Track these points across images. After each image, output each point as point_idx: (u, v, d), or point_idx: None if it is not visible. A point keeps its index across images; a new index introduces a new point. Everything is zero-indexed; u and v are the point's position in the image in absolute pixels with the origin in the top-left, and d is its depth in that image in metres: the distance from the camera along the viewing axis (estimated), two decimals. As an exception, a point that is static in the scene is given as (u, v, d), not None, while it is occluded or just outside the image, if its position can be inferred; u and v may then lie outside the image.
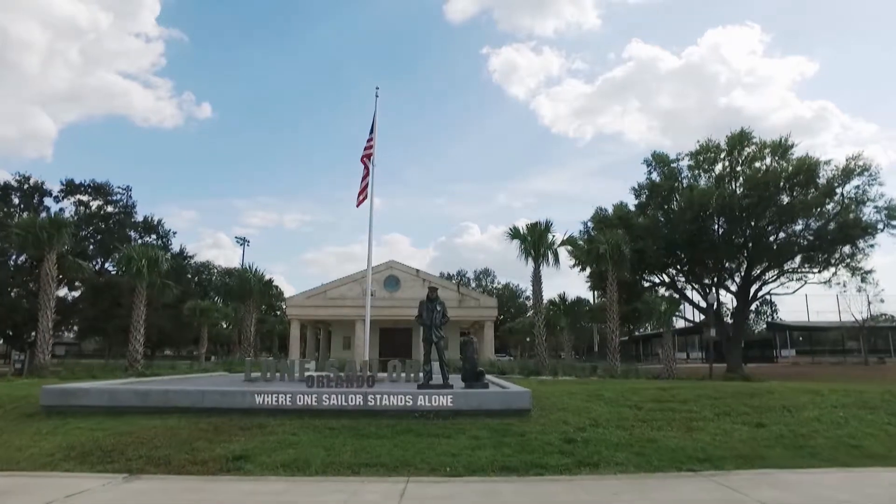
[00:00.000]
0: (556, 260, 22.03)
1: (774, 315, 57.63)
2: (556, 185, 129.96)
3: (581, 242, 25.81)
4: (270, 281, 25.15)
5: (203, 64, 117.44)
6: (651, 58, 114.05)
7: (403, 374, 12.10)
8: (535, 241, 20.82)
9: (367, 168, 22.22)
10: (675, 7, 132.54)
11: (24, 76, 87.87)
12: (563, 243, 22.73)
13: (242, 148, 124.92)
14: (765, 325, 55.80)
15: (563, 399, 10.32)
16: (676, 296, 29.19)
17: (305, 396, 9.22)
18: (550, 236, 21.32)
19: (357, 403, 9.17)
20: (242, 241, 56.17)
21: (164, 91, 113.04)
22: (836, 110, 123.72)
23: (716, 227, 26.98)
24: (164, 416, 8.85)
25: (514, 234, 21.46)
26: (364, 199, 22.00)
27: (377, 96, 22.89)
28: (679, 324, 55.20)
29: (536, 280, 21.34)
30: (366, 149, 22.43)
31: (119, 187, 38.49)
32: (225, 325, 43.16)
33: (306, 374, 11.07)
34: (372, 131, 22.66)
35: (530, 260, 21.41)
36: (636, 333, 59.74)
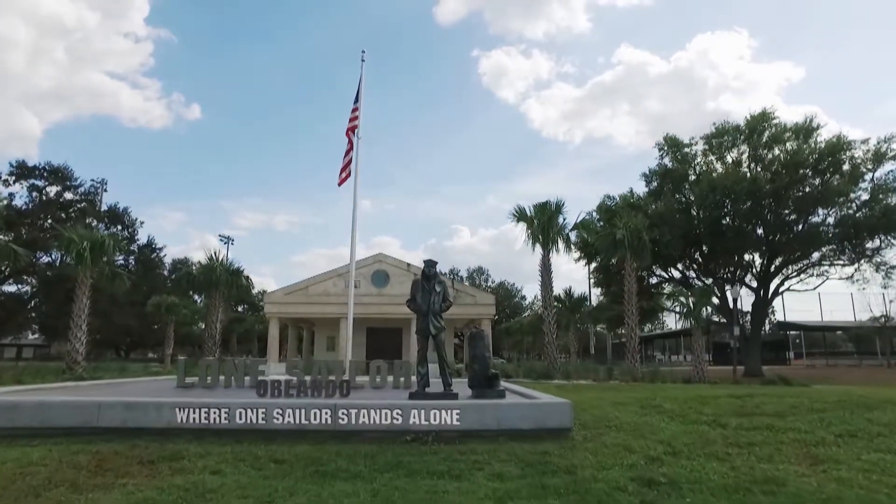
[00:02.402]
0: (568, 246, 19.32)
1: (774, 315, 55.36)
2: (546, 188, 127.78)
3: (584, 234, 23.04)
4: (239, 270, 22.12)
5: (193, 65, 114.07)
6: (640, 62, 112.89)
7: (391, 379, 9.34)
8: (543, 225, 18.07)
9: (351, 142, 19.49)
10: (664, 12, 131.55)
11: (8, 74, 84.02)
12: (575, 227, 20.01)
13: (232, 149, 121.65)
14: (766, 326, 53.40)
15: (608, 412, 7.59)
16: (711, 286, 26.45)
17: (249, 412, 6.41)
18: (561, 218, 18.59)
19: (323, 421, 6.40)
20: (227, 240, 53.46)
21: (152, 91, 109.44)
22: (824, 116, 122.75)
23: (740, 213, 24.40)
24: (37, 441, 6.03)
25: (520, 215, 18.68)
26: (347, 177, 19.28)
27: (363, 60, 20.20)
28: (675, 325, 53.03)
29: (545, 269, 18.57)
30: (350, 120, 19.67)
31: (93, 180, 35.35)
32: (202, 324, 39.99)
33: (260, 378, 8.22)
34: (357, 100, 19.93)
35: (537, 247, 18.68)
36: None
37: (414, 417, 6.39)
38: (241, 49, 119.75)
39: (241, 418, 6.40)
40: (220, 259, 21.24)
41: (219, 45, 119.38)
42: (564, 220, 18.72)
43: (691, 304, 17.25)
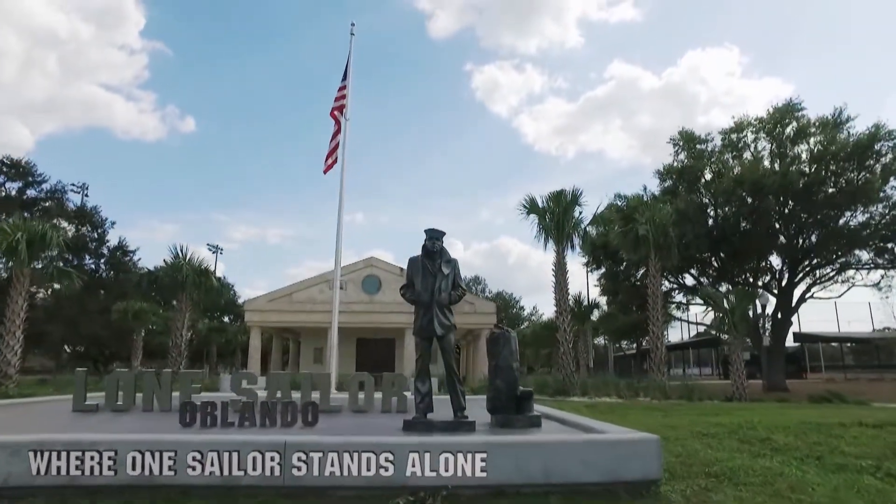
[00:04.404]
0: (585, 243, 16.95)
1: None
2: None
3: (601, 229, 20.72)
4: (208, 270, 19.44)
5: (187, 78, 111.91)
6: (632, 77, 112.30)
7: (379, 396, 6.91)
8: (558, 217, 15.71)
9: (338, 123, 17.22)
10: (655, 29, 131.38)
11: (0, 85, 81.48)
12: (593, 221, 17.65)
13: (225, 162, 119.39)
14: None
15: (693, 448, 5.18)
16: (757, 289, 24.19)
17: (147, 457, 3.98)
18: (577, 211, 16.21)
19: (266, 472, 3.99)
20: (215, 249, 51.23)
21: (147, 104, 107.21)
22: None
23: (767, 212, 22.22)
24: None
25: (531, 207, 16.30)
26: (334, 164, 16.96)
27: (352, 34, 18.03)
28: (677, 335, 50.70)
29: (560, 269, 16.17)
30: (337, 99, 17.42)
31: (73, 184, 32.72)
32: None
33: (193, 398, 5.77)
34: (345, 78, 17.71)
35: (550, 243, 16.27)
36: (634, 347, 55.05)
37: (413, 465, 3.98)
38: (236, 62, 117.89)
39: (134, 467, 3.96)
40: (186, 257, 18.65)
41: (214, 59, 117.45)
42: (581, 213, 16.42)
43: (729, 309, 14.94)
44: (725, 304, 14.98)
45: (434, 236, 5.64)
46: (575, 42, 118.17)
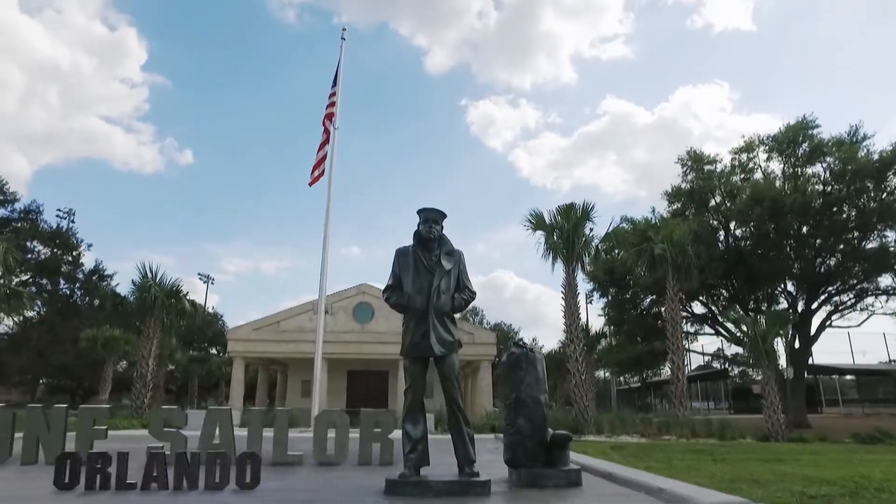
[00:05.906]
0: (596, 264, 15.39)
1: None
2: (535, 237, 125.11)
3: (614, 246, 19.25)
4: (179, 291, 17.64)
5: (186, 111, 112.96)
6: (625, 113, 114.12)
7: (355, 438, 5.21)
8: (567, 234, 14.15)
9: (327, 132, 15.84)
10: (647, 66, 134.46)
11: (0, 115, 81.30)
12: (606, 239, 16.07)
13: (222, 195, 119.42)
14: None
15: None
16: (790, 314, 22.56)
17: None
18: (589, 227, 14.64)
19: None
20: (206, 279, 49.72)
21: (146, 136, 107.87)
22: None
23: (785, 232, 20.88)
24: None
25: (538, 223, 14.73)
26: (321, 176, 15.51)
27: (343, 38, 16.88)
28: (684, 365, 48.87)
29: (570, 292, 14.50)
30: (327, 107, 16.11)
31: (59, 210, 31.25)
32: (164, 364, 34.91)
33: (97, 444, 4.08)
34: (335, 84, 16.45)
35: (559, 263, 14.67)
36: (640, 379, 52.97)
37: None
38: (235, 96, 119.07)
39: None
40: (156, 277, 16.89)
41: (213, 92, 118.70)
42: (593, 228, 14.88)
43: (758, 335, 13.33)
44: (755, 329, 13.35)
45: (431, 218, 4.10)
46: (568, 78, 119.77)
